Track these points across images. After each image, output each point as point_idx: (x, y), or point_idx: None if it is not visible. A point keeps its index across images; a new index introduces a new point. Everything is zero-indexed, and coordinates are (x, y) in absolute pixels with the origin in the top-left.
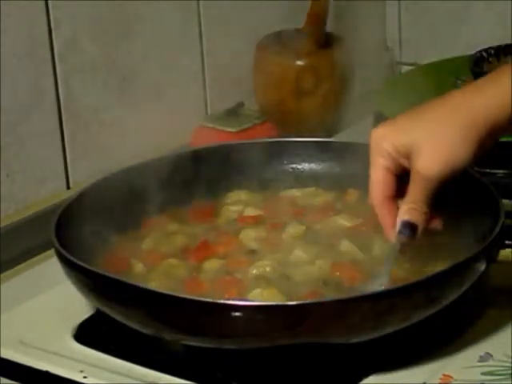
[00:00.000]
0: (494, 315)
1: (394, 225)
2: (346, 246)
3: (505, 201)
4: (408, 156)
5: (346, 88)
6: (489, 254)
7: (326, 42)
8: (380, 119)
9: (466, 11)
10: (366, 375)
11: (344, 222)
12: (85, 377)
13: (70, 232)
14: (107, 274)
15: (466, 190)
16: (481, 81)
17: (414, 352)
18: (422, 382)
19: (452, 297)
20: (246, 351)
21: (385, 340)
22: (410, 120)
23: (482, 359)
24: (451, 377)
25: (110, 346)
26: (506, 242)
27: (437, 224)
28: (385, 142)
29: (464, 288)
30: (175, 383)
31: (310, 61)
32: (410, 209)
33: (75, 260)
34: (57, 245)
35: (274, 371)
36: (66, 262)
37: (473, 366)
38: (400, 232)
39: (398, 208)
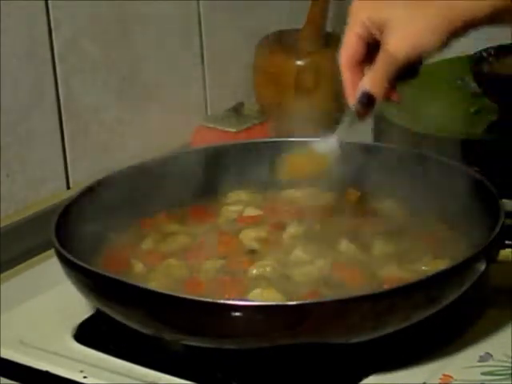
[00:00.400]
0: (493, 315)
1: (354, 90)
2: (345, 246)
3: (505, 201)
4: (381, 30)
5: None
6: (489, 253)
7: (325, 42)
8: (380, 119)
9: None
10: (366, 375)
11: (344, 222)
12: (85, 377)
13: (70, 232)
14: (107, 273)
15: (465, 189)
16: None
17: (413, 352)
18: (421, 382)
19: (452, 297)
20: (246, 351)
21: (385, 340)
22: None
23: (481, 359)
24: (451, 377)
25: (110, 346)
26: (506, 242)
27: (395, 97)
28: (362, 12)
29: (464, 288)
30: (175, 383)
31: (310, 61)
32: (372, 80)
33: (75, 260)
34: (57, 245)
35: (274, 371)
36: (66, 262)
37: (473, 366)
38: (359, 100)
39: (363, 74)
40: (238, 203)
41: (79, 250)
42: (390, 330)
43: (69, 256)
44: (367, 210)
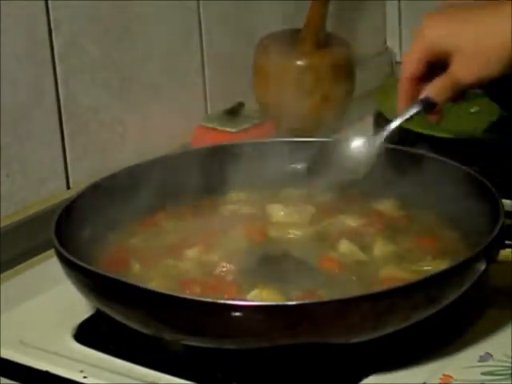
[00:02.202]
0: (493, 315)
1: (407, 101)
2: (346, 246)
3: (505, 201)
4: (448, 55)
5: (345, 88)
6: (489, 254)
7: (325, 42)
8: (380, 119)
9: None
10: (366, 375)
11: (348, 221)
12: (85, 377)
13: (70, 232)
14: (107, 273)
15: (466, 189)
16: None
17: (413, 352)
18: (421, 382)
19: (452, 297)
20: (246, 351)
21: (385, 340)
22: (461, 22)
23: (481, 359)
24: (451, 377)
25: (110, 346)
26: (506, 242)
27: (437, 118)
28: (433, 34)
29: (464, 288)
30: (175, 383)
31: (310, 61)
32: (436, 88)
33: (75, 260)
34: (57, 244)
35: (274, 371)
36: (66, 262)
37: (473, 366)
38: (420, 101)
39: (418, 90)
40: (236, 203)
41: (79, 249)
42: (389, 329)
43: (69, 256)
44: (367, 209)
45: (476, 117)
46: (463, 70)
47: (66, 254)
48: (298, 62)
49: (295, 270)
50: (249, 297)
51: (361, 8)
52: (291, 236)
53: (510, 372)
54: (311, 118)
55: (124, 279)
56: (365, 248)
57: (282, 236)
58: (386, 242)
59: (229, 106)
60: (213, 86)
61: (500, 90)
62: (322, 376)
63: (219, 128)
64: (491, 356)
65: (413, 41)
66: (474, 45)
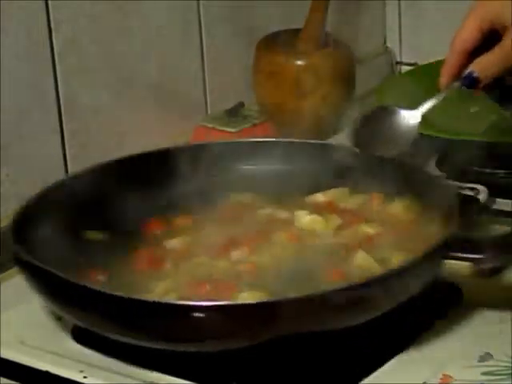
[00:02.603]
0: (493, 315)
1: (453, 72)
2: (361, 257)
3: (505, 201)
4: (504, 29)
5: (346, 88)
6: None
7: (325, 42)
8: (470, 78)
9: (465, 11)
10: (366, 375)
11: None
12: (85, 377)
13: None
14: (59, 274)
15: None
16: None
17: (413, 352)
18: (421, 382)
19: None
20: (244, 351)
21: (385, 339)
22: None
23: (481, 359)
24: (451, 377)
25: (110, 346)
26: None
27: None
28: (491, 8)
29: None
30: (175, 383)
31: (310, 61)
32: (483, 65)
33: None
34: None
35: (274, 371)
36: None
37: (473, 366)
38: (464, 78)
39: (464, 66)
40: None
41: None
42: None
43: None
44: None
45: (476, 117)
46: None
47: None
48: (298, 62)
49: (299, 280)
50: (238, 298)
51: (361, 8)
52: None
53: (510, 372)
54: (311, 118)
55: (78, 281)
56: (382, 260)
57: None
58: (400, 252)
59: (229, 106)
60: (213, 86)
61: (500, 90)
62: (322, 376)
63: (219, 128)
64: (491, 356)
65: (469, 12)
66: None
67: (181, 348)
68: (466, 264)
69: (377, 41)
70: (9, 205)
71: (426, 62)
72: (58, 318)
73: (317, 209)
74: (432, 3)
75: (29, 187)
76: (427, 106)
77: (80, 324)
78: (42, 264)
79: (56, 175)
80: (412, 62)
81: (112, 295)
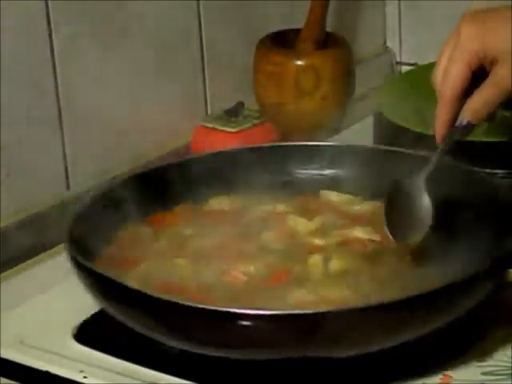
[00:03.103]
0: (493, 315)
1: (446, 128)
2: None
3: None
4: (492, 62)
5: (345, 88)
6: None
7: (325, 42)
8: (380, 119)
9: (465, 11)
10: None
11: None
12: (85, 377)
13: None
14: (113, 277)
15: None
16: None
17: (413, 352)
18: (421, 382)
19: (468, 306)
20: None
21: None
22: (502, 21)
23: (481, 359)
24: (451, 377)
25: (110, 346)
26: None
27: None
28: (475, 43)
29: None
30: (175, 383)
31: (310, 61)
32: (474, 110)
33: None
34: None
35: (274, 371)
36: (79, 266)
37: (473, 366)
38: (460, 128)
39: (460, 107)
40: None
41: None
42: (402, 339)
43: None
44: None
45: None
46: (507, 77)
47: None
48: (298, 62)
49: None
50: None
51: (361, 8)
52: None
53: (510, 372)
54: (311, 118)
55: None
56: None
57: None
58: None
59: (229, 106)
60: (213, 86)
61: None
62: (322, 377)
63: (219, 128)
64: (491, 356)
65: (452, 53)
66: None
67: (221, 354)
68: None
69: (377, 41)
70: (9, 205)
71: (426, 62)
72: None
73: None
74: (432, 3)
75: (29, 187)
76: (429, 168)
77: (129, 325)
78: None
79: (56, 175)
80: (412, 62)
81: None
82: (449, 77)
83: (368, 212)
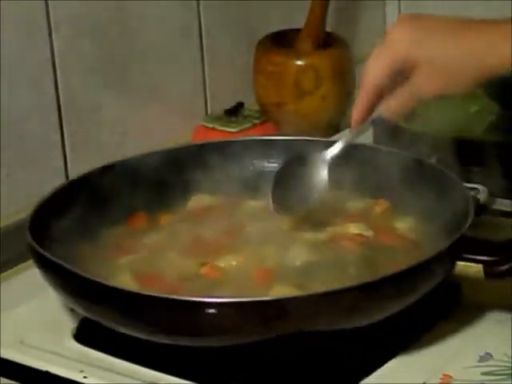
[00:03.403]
0: (493, 315)
1: (363, 115)
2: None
3: (505, 201)
4: (413, 66)
5: (346, 88)
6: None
7: (325, 41)
8: (380, 119)
9: (465, 11)
10: (366, 375)
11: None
12: (85, 377)
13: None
14: (77, 271)
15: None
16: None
17: (413, 352)
18: (421, 382)
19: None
20: (245, 349)
21: (385, 340)
22: (430, 33)
23: (481, 359)
24: (451, 377)
25: (110, 346)
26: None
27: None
28: (401, 45)
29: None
30: (175, 383)
31: (309, 61)
32: (389, 109)
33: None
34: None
35: (274, 371)
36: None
37: (473, 366)
38: (373, 121)
39: (376, 104)
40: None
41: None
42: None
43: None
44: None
45: (476, 117)
46: (425, 83)
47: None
48: (298, 62)
49: None
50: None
51: (361, 8)
52: None
53: (510, 372)
54: (311, 118)
55: (93, 277)
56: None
57: None
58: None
59: (229, 106)
60: (213, 86)
61: (500, 90)
62: (322, 375)
63: (219, 128)
64: (491, 356)
65: (380, 48)
66: (440, 53)
67: (186, 342)
68: (471, 265)
69: (377, 41)
70: (9, 205)
71: None
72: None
73: None
74: (432, 3)
75: (29, 187)
76: (336, 148)
77: (90, 317)
78: (57, 259)
79: (56, 175)
80: None
81: (122, 290)
82: (370, 69)
83: (359, 209)
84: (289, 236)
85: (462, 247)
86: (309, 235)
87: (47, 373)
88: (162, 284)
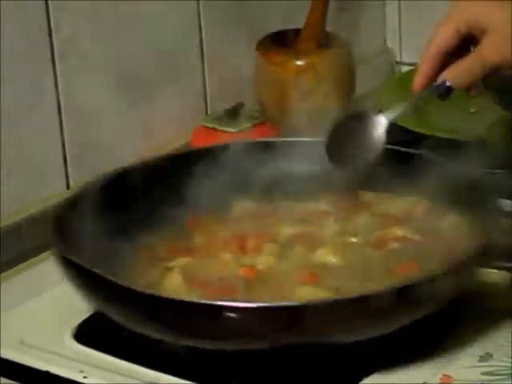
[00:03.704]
0: (493, 315)
1: (425, 80)
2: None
3: (505, 201)
4: (482, 32)
5: (346, 88)
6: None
7: (325, 42)
8: (443, 87)
9: None
10: (367, 375)
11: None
12: (85, 377)
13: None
14: (103, 274)
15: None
16: None
17: (413, 352)
18: (422, 382)
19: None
20: (246, 351)
21: (385, 339)
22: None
23: (482, 359)
24: (451, 377)
25: (110, 346)
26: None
27: (474, 91)
28: (469, 10)
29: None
30: (175, 383)
31: (309, 61)
32: (456, 74)
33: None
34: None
35: (274, 371)
36: (65, 262)
37: (473, 366)
38: (436, 88)
39: (441, 69)
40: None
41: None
42: (388, 329)
43: (68, 256)
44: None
45: (476, 117)
46: (494, 47)
47: (68, 256)
48: (298, 62)
49: None
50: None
51: (361, 8)
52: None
53: (510, 372)
54: (311, 118)
55: (119, 281)
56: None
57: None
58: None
59: (229, 106)
60: (213, 86)
61: (500, 90)
62: (322, 376)
63: (219, 128)
64: (491, 356)
65: (448, 13)
66: (508, 19)
67: (207, 345)
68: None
69: (377, 41)
70: (9, 205)
71: None
72: None
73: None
74: (432, 3)
75: (29, 187)
76: (398, 110)
77: (121, 323)
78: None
79: (56, 175)
80: (412, 62)
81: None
82: (436, 35)
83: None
84: (332, 239)
85: (488, 254)
86: (353, 238)
87: (47, 373)
88: (207, 287)
